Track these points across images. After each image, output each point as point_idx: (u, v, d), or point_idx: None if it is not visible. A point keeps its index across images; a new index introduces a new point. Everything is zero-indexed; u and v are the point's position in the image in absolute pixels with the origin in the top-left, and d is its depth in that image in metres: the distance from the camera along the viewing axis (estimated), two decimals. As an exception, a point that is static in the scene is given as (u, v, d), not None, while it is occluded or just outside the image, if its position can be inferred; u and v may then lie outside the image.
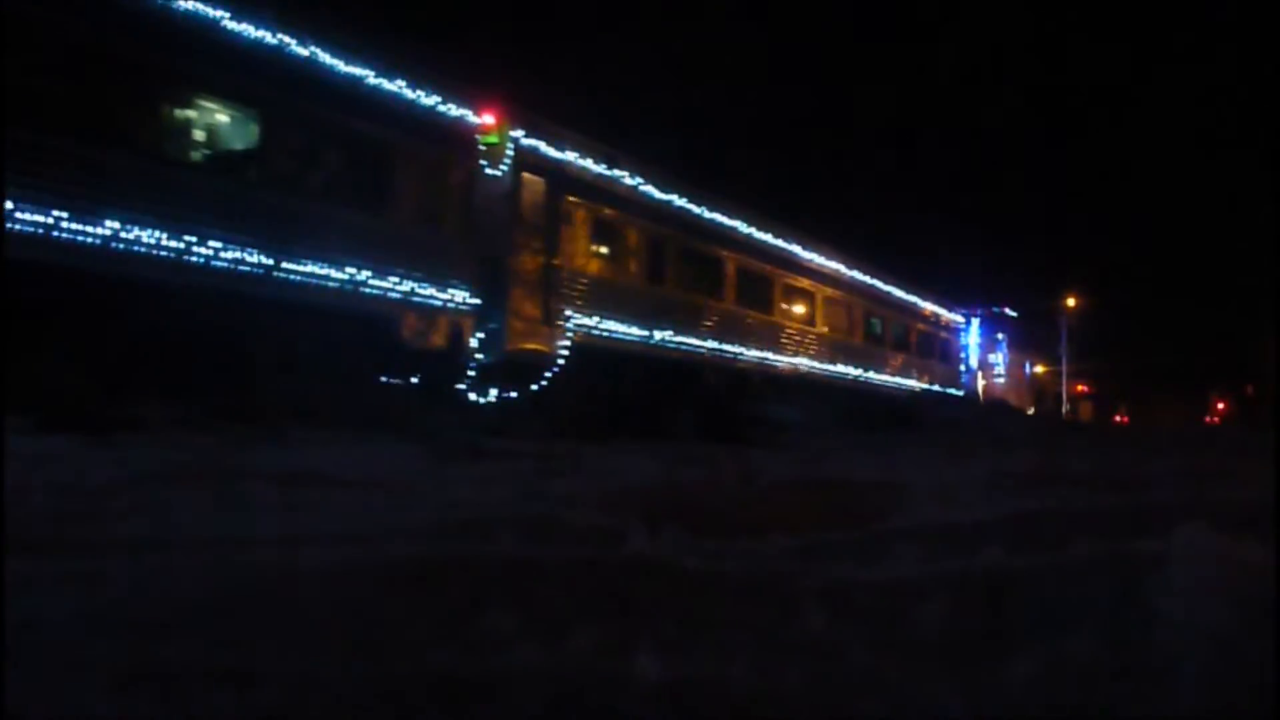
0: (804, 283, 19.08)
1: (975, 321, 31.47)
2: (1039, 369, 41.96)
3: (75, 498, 3.40)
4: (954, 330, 29.58)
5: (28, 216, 7.25)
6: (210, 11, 8.46)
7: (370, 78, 9.81)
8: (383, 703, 1.34)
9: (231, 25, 8.62)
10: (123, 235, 7.82)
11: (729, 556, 2.25)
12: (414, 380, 10.63)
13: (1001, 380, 34.18)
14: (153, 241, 8.05)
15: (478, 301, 10.95)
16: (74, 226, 7.56)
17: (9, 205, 7.07)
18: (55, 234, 7.41)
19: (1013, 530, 2.57)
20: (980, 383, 32.21)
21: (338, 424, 8.22)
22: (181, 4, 8.28)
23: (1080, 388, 54.04)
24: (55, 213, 7.41)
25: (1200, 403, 61.18)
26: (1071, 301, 43.87)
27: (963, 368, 30.36)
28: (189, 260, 8.22)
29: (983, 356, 32.68)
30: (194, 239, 8.27)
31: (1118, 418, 60.56)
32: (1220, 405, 59.36)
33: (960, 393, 29.15)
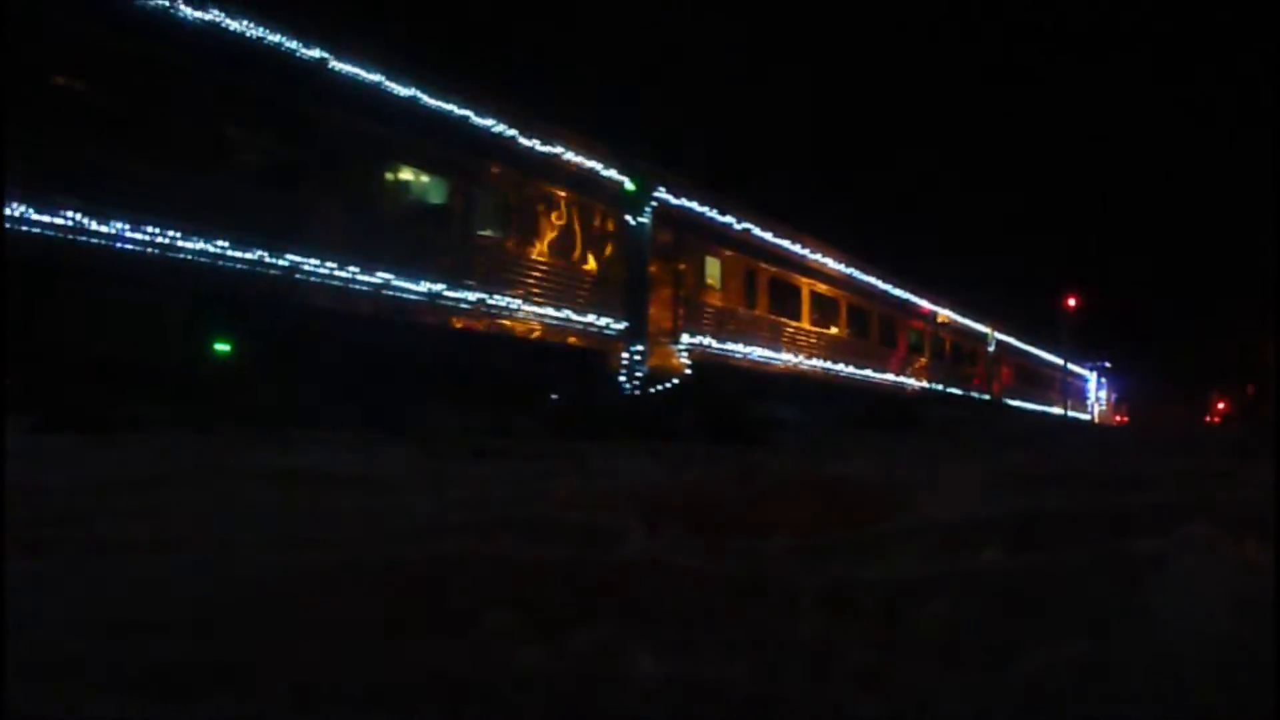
0: (1035, 367, 40.10)
1: (1095, 374, 54.93)
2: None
3: (75, 498, 3.39)
4: (1083, 379, 53.15)
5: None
6: None
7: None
8: (383, 703, 1.34)
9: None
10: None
11: (729, 556, 2.25)
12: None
13: (1104, 408, 57.96)
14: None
15: None
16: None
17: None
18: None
19: (1013, 530, 2.57)
20: (1097, 409, 55.56)
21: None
22: None
23: (1080, 387, 55.67)
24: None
25: (1200, 403, 61.23)
26: (1072, 302, 46.18)
27: (1087, 401, 53.91)
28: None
29: (1095, 393, 56.29)
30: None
31: (1118, 418, 60.72)
32: (1220, 405, 59.30)
33: (1087, 417, 51.65)
